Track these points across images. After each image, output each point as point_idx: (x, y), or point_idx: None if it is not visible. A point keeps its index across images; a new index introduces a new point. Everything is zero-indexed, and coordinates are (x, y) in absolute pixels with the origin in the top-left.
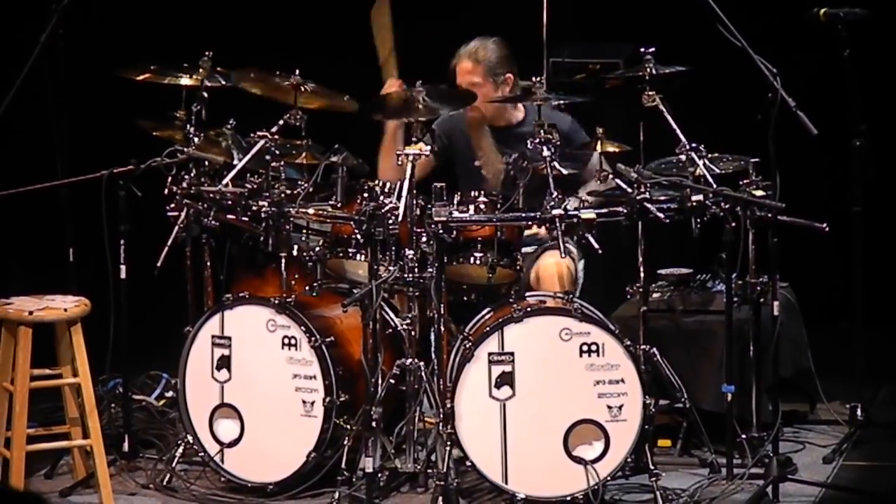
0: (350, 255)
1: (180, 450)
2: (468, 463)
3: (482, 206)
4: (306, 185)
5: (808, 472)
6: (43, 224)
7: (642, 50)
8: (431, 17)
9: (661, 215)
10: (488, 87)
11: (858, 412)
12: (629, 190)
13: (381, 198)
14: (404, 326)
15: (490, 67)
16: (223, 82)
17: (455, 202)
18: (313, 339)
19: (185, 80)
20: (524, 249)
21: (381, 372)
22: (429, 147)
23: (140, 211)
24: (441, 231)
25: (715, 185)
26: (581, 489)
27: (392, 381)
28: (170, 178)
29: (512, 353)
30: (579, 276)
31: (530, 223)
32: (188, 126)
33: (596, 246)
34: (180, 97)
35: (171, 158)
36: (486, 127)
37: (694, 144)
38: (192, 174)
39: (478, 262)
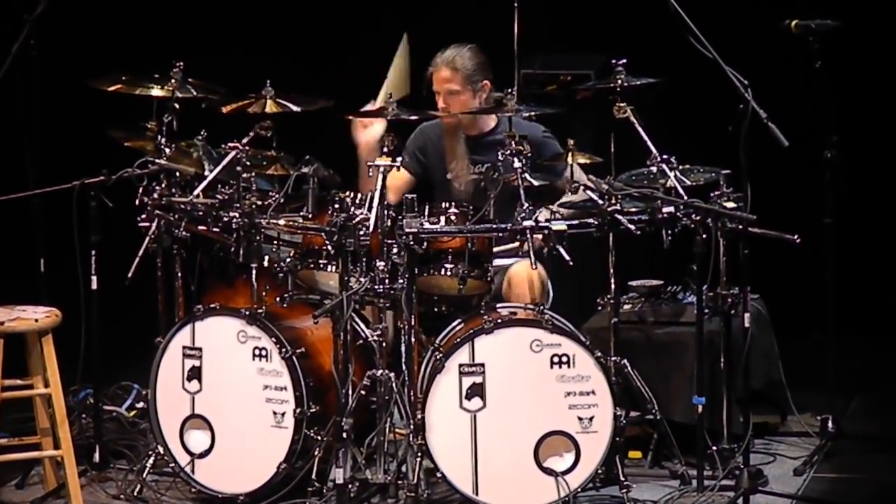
0: (321, 266)
1: (151, 460)
2: (439, 474)
3: (453, 218)
4: (277, 196)
5: (779, 483)
6: (14, 234)
7: (613, 61)
8: (403, 27)
9: (631, 227)
10: (467, 95)
11: (829, 424)
12: (600, 201)
13: (352, 209)
14: (375, 337)
15: (468, 75)
16: (194, 93)
17: (426, 213)
18: (284, 350)
19: (157, 91)
20: (496, 262)
21: (351, 383)
22: (400, 159)
23: (111, 221)
24: (412, 242)
25: (686, 197)
26: (552, 500)
27: (363, 392)
28: (141, 189)
29: (483, 365)
30: (548, 287)
31: (501, 234)
32: (159, 137)
33: (567, 257)
34: (152, 108)
35: (142, 169)
36: (461, 134)
37: (665, 156)
38: (164, 185)
39: (449, 273)
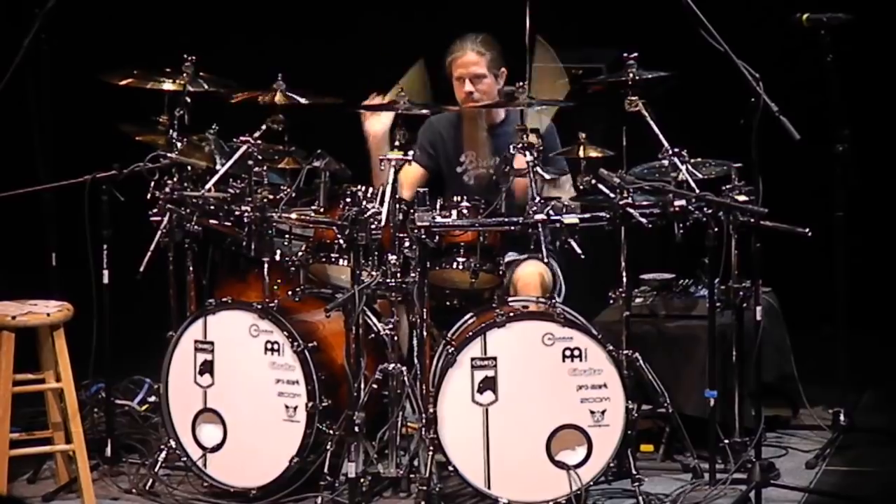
0: (333, 259)
1: (163, 455)
2: (451, 468)
3: (465, 212)
4: (289, 189)
5: (791, 477)
6: (25, 228)
7: (625, 55)
8: (413, 21)
9: (643, 220)
10: (490, 80)
11: (841, 417)
12: (612, 195)
13: (364, 203)
14: (387, 331)
15: (493, 59)
16: (206, 87)
17: (438, 207)
18: (296, 344)
19: (168, 85)
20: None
21: (363, 377)
22: (412, 153)
23: (123, 216)
24: (424, 236)
25: (698, 190)
26: (564, 494)
27: (375, 386)
28: (153, 183)
29: (495, 358)
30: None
31: (513, 228)
32: (171, 131)
33: (579, 250)
34: (163, 102)
35: (153, 163)
36: (483, 122)
37: (677, 149)
38: (175, 179)
39: (461, 266)
